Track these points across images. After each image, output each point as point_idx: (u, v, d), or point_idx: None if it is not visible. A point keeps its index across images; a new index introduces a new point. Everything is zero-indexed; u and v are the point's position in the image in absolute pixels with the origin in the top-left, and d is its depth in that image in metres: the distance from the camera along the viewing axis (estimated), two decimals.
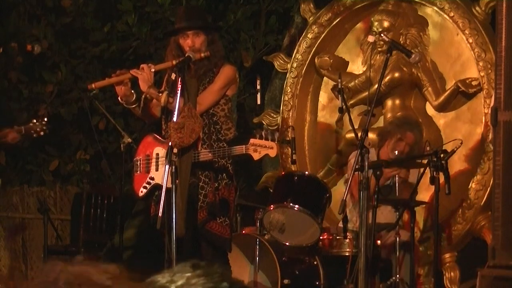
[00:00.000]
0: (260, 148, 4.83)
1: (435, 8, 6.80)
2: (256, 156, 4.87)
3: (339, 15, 7.23)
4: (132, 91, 5.25)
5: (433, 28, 6.88)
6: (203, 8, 7.51)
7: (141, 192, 5.30)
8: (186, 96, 5.02)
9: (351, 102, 6.98)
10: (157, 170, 5.23)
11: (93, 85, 5.29)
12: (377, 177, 5.38)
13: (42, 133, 6.28)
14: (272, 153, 4.87)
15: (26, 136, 6.41)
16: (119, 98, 5.28)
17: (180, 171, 4.83)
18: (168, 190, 4.68)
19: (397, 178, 5.99)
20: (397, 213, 5.84)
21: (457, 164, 6.57)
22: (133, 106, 5.28)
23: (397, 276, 5.78)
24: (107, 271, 2.01)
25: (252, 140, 4.85)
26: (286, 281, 6.01)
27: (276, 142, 4.84)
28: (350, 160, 6.44)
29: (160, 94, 5.08)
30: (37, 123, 6.27)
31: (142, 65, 5.17)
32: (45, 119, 6.30)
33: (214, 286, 1.87)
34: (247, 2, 7.96)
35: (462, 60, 6.73)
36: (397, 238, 5.77)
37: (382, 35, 6.25)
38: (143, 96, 5.21)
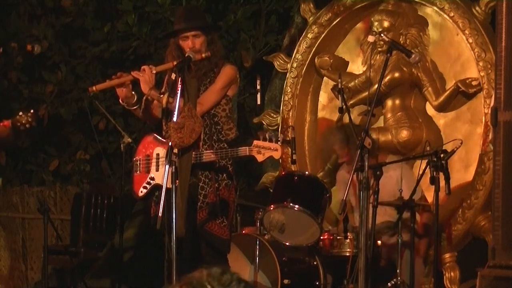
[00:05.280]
0: (264, 150, 4.83)
1: (435, 8, 6.80)
2: (260, 158, 4.88)
3: (339, 15, 7.23)
4: (133, 92, 5.24)
5: (433, 28, 6.88)
6: (203, 8, 7.51)
7: (141, 192, 5.29)
8: (186, 96, 5.02)
9: (351, 102, 6.98)
10: (157, 170, 5.22)
11: (94, 88, 5.28)
12: (376, 177, 5.38)
13: (28, 125, 6.21)
14: (277, 155, 4.88)
15: (13, 130, 6.33)
16: (120, 100, 5.28)
17: (180, 171, 4.82)
18: (168, 190, 4.68)
19: None
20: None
21: (457, 164, 6.57)
22: (134, 107, 5.27)
23: (398, 278, 5.77)
24: None
25: (255, 142, 4.85)
26: (286, 281, 6.01)
27: (280, 144, 4.85)
28: (338, 175, 6.55)
29: (162, 96, 5.08)
30: (23, 115, 6.20)
31: (143, 67, 5.17)
32: (31, 111, 6.23)
33: None
34: (247, 2, 7.96)
35: (462, 60, 6.73)
36: (399, 240, 5.77)
37: (382, 35, 6.25)
38: (144, 98, 5.20)
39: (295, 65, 7.40)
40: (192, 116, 5.03)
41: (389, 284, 5.82)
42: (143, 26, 7.93)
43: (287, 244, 5.96)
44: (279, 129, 7.35)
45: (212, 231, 5.17)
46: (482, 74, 6.52)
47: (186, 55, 5.13)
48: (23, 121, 6.09)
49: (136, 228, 7.44)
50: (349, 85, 7.03)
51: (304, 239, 5.96)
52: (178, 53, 5.25)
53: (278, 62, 7.52)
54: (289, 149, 5.39)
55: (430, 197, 6.17)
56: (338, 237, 6.04)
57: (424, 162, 5.73)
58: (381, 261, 6.08)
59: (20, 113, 6.14)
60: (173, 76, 4.94)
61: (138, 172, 5.32)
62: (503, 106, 5.33)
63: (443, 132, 6.82)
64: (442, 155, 5.62)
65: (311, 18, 7.38)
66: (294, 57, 7.41)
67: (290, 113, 7.41)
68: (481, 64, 6.52)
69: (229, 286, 1.94)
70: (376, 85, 5.49)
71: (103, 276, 7.37)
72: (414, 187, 5.83)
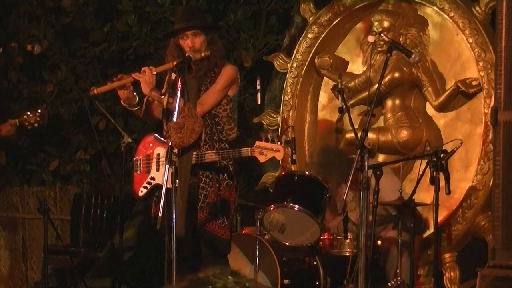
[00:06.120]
0: (266, 151, 4.84)
1: (435, 8, 6.80)
2: (262, 159, 4.88)
3: (339, 15, 7.23)
4: (134, 93, 5.25)
5: (433, 28, 6.88)
6: (203, 8, 7.51)
7: (141, 192, 5.29)
8: (186, 96, 5.02)
9: (351, 102, 6.98)
10: (157, 170, 5.22)
11: (95, 91, 5.27)
12: (377, 177, 5.38)
13: (36, 124, 6.24)
14: (279, 156, 4.88)
15: (21, 128, 6.36)
16: (121, 101, 5.28)
17: (180, 171, 4.82)
18: (168, 190, 4.68)
19: None
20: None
21: (457, 164, 6.57)
22: (136, 108, 5.27)
23: (398, 278, 5.77)
24: None
25: (258, 143, 4.85)
26: (286, 281, 6.00)
27: (282, 145, 4.85)
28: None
29: (162, 97, 5.08)
30: (31, 115, 6.22)
31: (143, 68, 5.17)
32: (39, 111, 6.25)
33: None
34: (247, 2, 7.96)
35: (462, 60, 6.73)
36: (399, 240, 5.77)
37: (382, 35, 6.25)
38: (145, 99, 5.20)
39: (295, 65, 7.40)
40: (192, 116, 5.03)
41: (389, 284, 5.82)
42: (143, 26, 7.93)
43: (287, 244, 5.96)
44: (279, 129, 7.35)
45: (213, 231, 5.17)
46: (482, 74, 6.52)
47: (186, 55, 5.13)
48: (32, 121, 6.12)
49: (136, 228, 7.43)
50: (349, 85, 7.04)
51: (304, 239, 5.95)
52: (178, 53, 5.25)
53: (278, 62, 7.52)
54: (289, 149, 5.39)
55: (430, 197, 6.19)
56: (338, 237, 6.04)
57: (424, 162, 5.74)
58: (380, 258, 6.09)
59: (28, 113, 6.17)
60: (173, 76, 4.94)
61: (138, 172, 5.32)
62: (503, 106, 5.32)
63: (443, 132, 6.82)
64: (442, 155, 5.63)
65: (311, 18, 7.38)
66: (294, 57, 7.42)
67: (290, 113, 7.41)
68: (481, 64, 6.52)
69: (242, 279, 1.95)
70: (376, 85, 5.49)
71: (103, 276, 7.36)
72: (414, 187, 5.83)
